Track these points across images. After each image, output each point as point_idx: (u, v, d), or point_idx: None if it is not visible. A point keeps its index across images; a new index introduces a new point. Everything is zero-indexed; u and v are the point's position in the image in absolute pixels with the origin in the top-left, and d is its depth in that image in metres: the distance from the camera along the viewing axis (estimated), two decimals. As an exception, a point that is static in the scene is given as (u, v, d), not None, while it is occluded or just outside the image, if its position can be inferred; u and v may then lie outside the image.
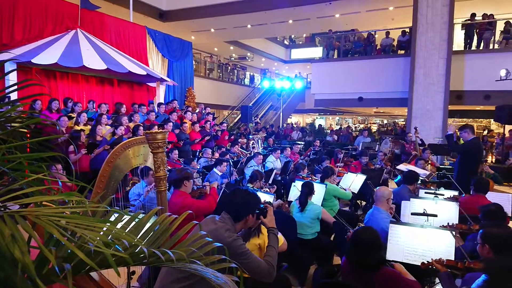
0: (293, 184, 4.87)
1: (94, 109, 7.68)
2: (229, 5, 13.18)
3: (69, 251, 0.88)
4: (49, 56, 6.84)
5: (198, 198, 3.78)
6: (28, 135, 1.56)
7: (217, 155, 7.14)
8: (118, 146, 2.62)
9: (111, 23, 9.28)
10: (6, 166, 1.16)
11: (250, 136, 10.86)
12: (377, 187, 3.72)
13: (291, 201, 4.49)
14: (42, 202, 0.94)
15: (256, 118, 18.16)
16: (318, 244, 3.92)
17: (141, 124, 7.17)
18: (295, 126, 17.33)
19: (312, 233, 3.93)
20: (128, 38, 9.78)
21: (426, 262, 2.48)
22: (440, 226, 3.08)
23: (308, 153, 9.12)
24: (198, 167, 6.22)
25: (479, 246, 2.27)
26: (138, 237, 1.00)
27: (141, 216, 1.13)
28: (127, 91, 9.83)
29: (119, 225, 1.03)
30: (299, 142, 11.08)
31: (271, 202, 3.11)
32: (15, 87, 1.53)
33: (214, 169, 5.82)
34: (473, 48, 11.26)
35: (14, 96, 4.49)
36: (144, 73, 8.50)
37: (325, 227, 4.16)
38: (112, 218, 1.11)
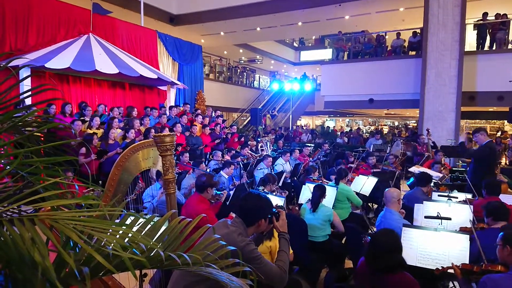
0: (304, 186, 4.85)
1: (105, 113, 7.77)
2: (238, 8, 13.23)
3: (86, 254, 0.89)
4: (62, 60, 6.95)
5: (213, 203, 3.81)
6: (42, 139, 1.58)
7: (227, 157, 7.15)
8: (127, 150, 2.64)
9: (123, 27, 9.41)
10: (24, 171, 1.18)
11: (259, 139, 10.86)
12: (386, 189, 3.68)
13: (301, 204, 4.46)
14: (59, 205, 0.95)
15: (273, 111, 18.17)
16: (330, 247, 3.89)
17: (153, 127, 7.23)
18: (304, 128, 17.28)
19: (323, 235, 3.90)
20: (139, 42, 9.90)
21: (440, 268, 2.44)
22: (453, 230, 3.04)
23: (318, 155, 9.07)
24: (209, 170, 6.24)
25: (499, 248, 2.23)
26: (154, 239, 1.01)
27: (156, 219, 1.14)
28: (138, 95, 9.94)
29: (134, 228, 1.04)
30: (309, 144, 11.03)
31: (283, 206, 3.09)
32: (30, 92, 1.55)
33: (221, 172, 5.82)
34: (486, 48, 11.08)
35: (28, 100, 4.57)
36: (155, 76, 8.58)
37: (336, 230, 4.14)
38: (128, 222, 1.12)
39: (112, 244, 0.81)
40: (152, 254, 0.91)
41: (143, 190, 4.67)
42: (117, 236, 0.86)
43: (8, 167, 1.21)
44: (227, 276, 0.93)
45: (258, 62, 22.97)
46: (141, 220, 1.10)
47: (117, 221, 1.20)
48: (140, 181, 4.78)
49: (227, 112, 18.29)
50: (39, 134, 1.52)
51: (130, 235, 0.90)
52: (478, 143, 5.23)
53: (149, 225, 1.08)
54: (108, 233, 0.84)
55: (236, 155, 6.98)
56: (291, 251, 2.70)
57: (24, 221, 0.79)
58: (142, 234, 1.02)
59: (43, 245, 0.75)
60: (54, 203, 0.90)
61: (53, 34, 7.72)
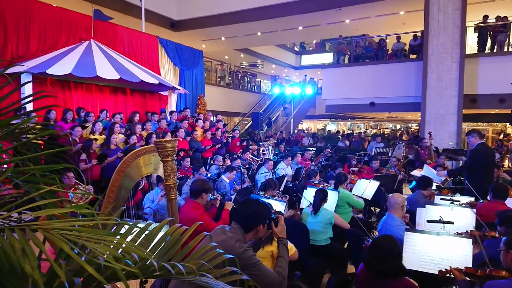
0: (305, 191, 4.82)
1: (107, 118, 7.78)
2: (239, 13, 13.29)
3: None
4: (63, 66, 6.96)
5: (207, 209, 3.77)
6: (42, 146, 1.58)
7: (228, 162, 7.14)
8: (128, 155, 2.63)
9: (124, 33, 9.44)
10: (19, 178, 1.17)
11: (261, 143, 10.85)
12: (391, 194, 3.65)
13: (303, 209, 4.43)
14: (53, 214, 0.94)
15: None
16: (331, 251, 3.86)
17: (154, 133, 7.23)
18: (306, 132, 17.26)
19: (324, 239, 3.88)
20: (140, 48, 9.93)
21: (444, 270, 2.42)
22: (454, 234, 3.01)
23: (320, 159, 9.06)
24: (209, 175, 6.22)
25: (503, 253, 2.20)
26: (148, 249, 1.00)
27: (152, 226, 1.12)
28: (139, 100, 9.95)
29: (129, 238, 1.02)
30: (311, 148, 11.02)
31: (282, 211, 3.07)
32: (30, 98, 1.55)
33: (222, 176, 5.80)
34: (487, 51, 11.07)
35: (29, 106, 4.57)
36: (156, 82, 8.59)
37: (338, 234, 4.10)
38: (123, 230, 1.10)
39: (105, 255, 0.80)
40: (146, 263, 0.89)
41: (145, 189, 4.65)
42: (111, 246, 0.84)
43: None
44: (222, 285, 0.92)
45: (259, 67, 23.01)
46: (137, 228, 1.09)
47: (114, 229, 1.19)
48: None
49: (228, 117, 18.28)
50: (39, 141, 1.52)
51: (123, 245, 0.89)
52: (470, 145, 5.24)
53: (144, 234, 1.07)
54: (102, 243, 0.83)
55: (236, 158, 6.94)
56: (294, 249, 2.67)
57: (15, 231, 0.78)
58: (136, 243, 1.01)
59: (34, 256, 0.74)
60: (46, 212, 0.89)
61: (55, 40, 7.74)
